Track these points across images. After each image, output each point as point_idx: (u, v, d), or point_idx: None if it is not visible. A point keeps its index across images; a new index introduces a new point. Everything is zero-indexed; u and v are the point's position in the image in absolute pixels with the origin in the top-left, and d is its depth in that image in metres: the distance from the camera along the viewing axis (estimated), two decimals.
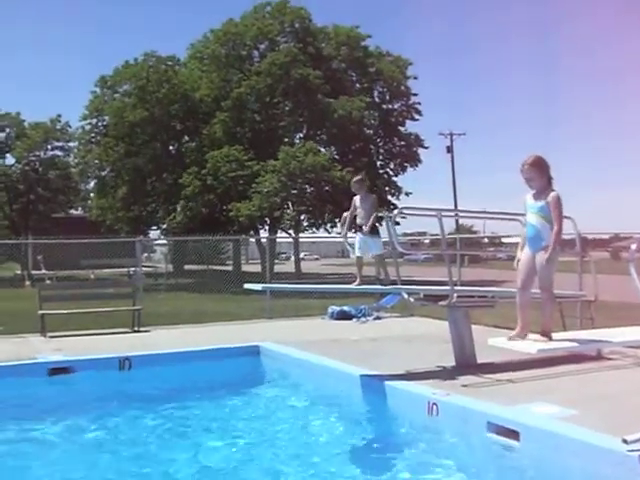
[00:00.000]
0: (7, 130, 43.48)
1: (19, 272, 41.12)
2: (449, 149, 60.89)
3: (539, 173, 8.21)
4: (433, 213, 9.28)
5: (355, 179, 10.51)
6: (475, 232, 60.93)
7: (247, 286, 10.08)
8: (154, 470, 6.66)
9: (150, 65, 38.06)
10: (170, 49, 60.56)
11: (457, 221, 42.84)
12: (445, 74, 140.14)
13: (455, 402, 7.28)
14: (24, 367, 10.02)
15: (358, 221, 10.33)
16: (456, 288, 9.62)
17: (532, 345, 8.22)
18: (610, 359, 9.66)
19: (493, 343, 8.63)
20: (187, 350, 11.06)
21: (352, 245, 10.44)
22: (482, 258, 41.64)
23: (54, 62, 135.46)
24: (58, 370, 9.96)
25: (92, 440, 7.62)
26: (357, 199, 10.26)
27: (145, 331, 14.02)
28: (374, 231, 10.07)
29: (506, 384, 8.20)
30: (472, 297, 9.99)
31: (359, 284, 10.18)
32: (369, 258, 10.44)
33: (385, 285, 10.24)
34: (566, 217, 9.24)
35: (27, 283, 32.47)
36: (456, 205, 55.31)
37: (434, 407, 7.37)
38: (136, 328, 14.09)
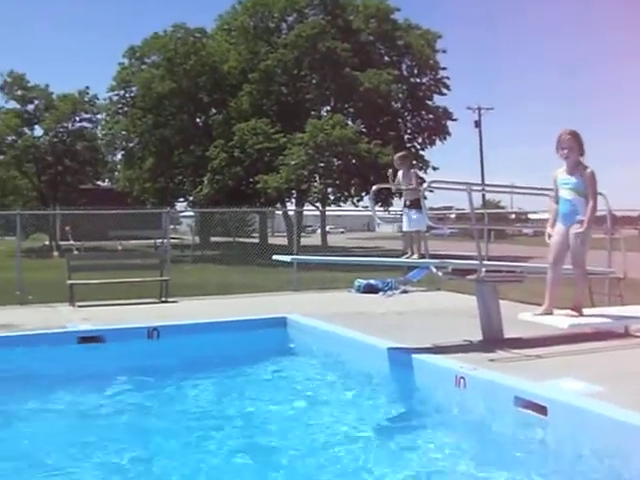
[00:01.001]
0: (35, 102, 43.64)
1: (47, 243, 41.47)
2: (477, 123, 60.37)
3: (577, 145, 8.15)
4: (462, 187, 9.23)
5: (397, 155, 10.52)
6: (502, 207, 60.47)
7: (276, 257, 10.07)
8: (180, 439, 6.74)
9: (178, 37, 38.03)
10: (198, 21, 60.47)
11: (484, 196, 42.54)
12: (474, 47, 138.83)
13: (482, 376, 7.26)
14: (54, 336, 10.13)
15: (403, 197, 10.36)
16: (484, 263, 9.59)
17: (563, 320, 8.20)
18: (638, 337, 9.58)
19: (523, 317, 8.62)
20: (214, 321, 11.10)
21: (381, 219, 10.51)
22: (508, 234, 41.37)
23: (83, 34, 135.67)
24: (87, 339, 10.06)
25: (118, 408, 7.72)
26: (400, 175, 10.23)
27: (172, 302, 14.12)
28: (416, 206, 9.98)
29: (533, 359, 8.16)
30: (500, 272, 9.94)
31: (409, 256, 10.20)
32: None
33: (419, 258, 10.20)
34: (599, 193, 9.18)
35: (55, 254, 32.78)
36: (483, 180, 54.89)
37: (461, 381, 7.36)
38: (163, 299, 14.19)
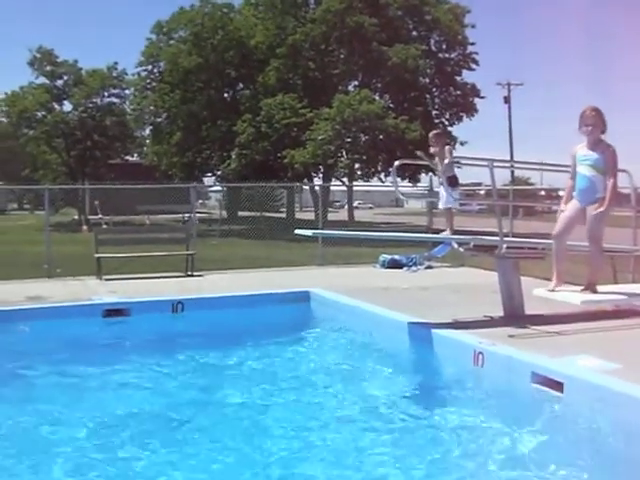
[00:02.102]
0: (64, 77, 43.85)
1: (76, 217, 41.84)
2: (506, 99, 59.84)
3: (601, 121, 8.15)
4: (485, 163, 9.25)
5: (431, 133, 10.53)
6: (532, 184, 60.04)
7: (298, 231, 10.16)
8: (206, 411, 6.87)
9: (205, 12, 38.02)
10: None
11: (512, 172, 42.28)
12: (504, 23, 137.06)
13: (501, 352, 7.34)
14: (80, 308, 10.32)
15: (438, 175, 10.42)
16: (506, 239, 9.61)
17: (576, 296, 8.26)
18: None
19: (537, 293, 8.67)
20: (238, 294, 11.24)
21: (404, 195, 10.49)
22: (537, 211, 41.09)
23: (112, 8, 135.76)
24: (113, 312, 10.25)
25: (141, 380, 7.86)
26: (435, 150, 10.22)
27: (198, 275, 14.26)
28: (449, 184, 9.99)
29: (553, 336, 8.21)
30: (522, 248, 9.97)
31: (447, 234, 10.15)
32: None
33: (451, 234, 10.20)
34: (622, 170, 9.17)
35: (84, 228, 33.05)
36: (512, 157, 54.50)
37: (480, 356, 7.44)
38: (189, 272, 14.34)
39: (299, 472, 5.43)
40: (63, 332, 9.42)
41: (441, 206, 10.39)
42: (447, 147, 10.17)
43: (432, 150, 10.13)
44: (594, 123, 8.19)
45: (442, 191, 10.13)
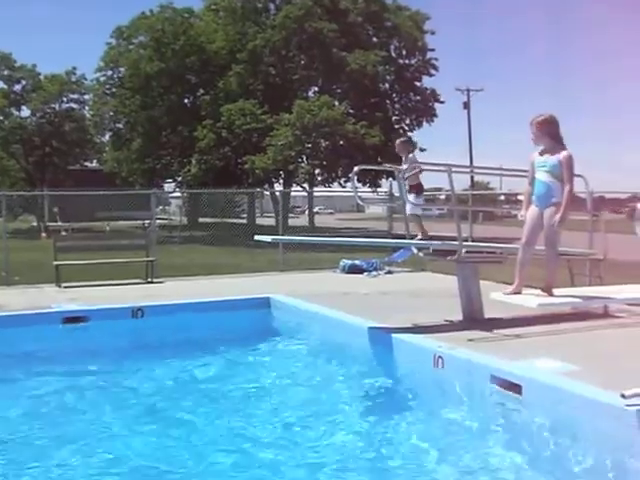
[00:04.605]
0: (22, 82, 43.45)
1: (35, 224, 41.41)
2: (465, 105, 60.37)
3: (546, 132, 8.31)
4: (443, 169, 9.32)
5: (397, 142, 10.61)
6: (491, 189, 60.59)
7: (257, 238, 10.17)
8: (164, 417, 6.85)
9: (166, 17, 37.90)
10: (186, 1, 60.33)
11: (472, 177, 42.71)
12: (464, 30, 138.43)
13: (460, 355, 7.39)
14: (39, 316, 10.18)
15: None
16: (465, 244, 9.69)
17: (532, 299, 8.37)
18: (617, 317, 9.70)
19: (495, 297, 8.76)
20: (198, 301, 11.18)
21: (364, 200, 10.53)
22: (497, 215, 41.48)
23: (69, 12, 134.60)
24: (72, 319, 10.13)
25: (102, 388, 7.82)
26: (403, 162, 10.28)
27: (158, 282, 14.20)
28: (411, 191, 10.02)
29: (512, 339, 8.29)
30: (481, 252, 10.06)
31: (420, 238, 10.20)
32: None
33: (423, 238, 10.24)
34: (577, 175, 9.30)
35: (43, 235, 32.67)
36: (472, 162, 54.94)
37: (439, 360, 7.48)
38: (149, 279, 14.28)
39: None
40: (21, 340, 9.31)
41: (408, 212, 10.42)
42: (410, 155, 10.24)
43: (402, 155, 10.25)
44: (535, 133, 8.40)
45: (406, 197, 10.18)
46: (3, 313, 10.43)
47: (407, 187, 10.09)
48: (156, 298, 11.62)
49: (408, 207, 10.20)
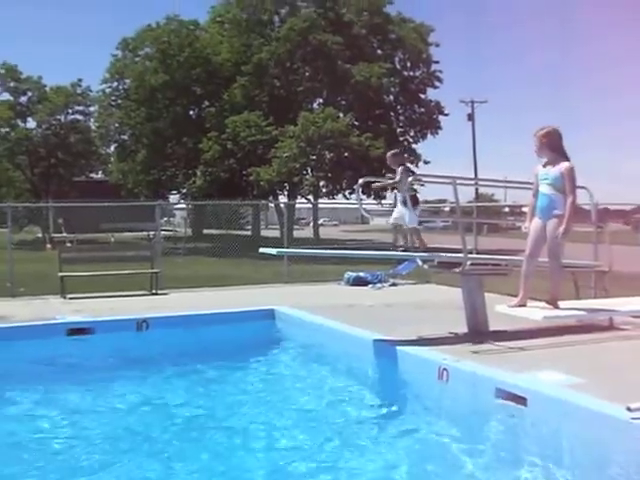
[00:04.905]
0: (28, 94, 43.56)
1: (40, 235, 41.46)
2: (470, 117, 60.49)
3: (549, 145, 8.34)
4: (448, 181, 9.32)
5: (388, 154, 10.61)
6: (496, 201, 60.58)
7: (262, 250, 10.18)
8: (169, 429, 6.84)
9: (171, 29, 38.00)
10: (191, 13, 60.62)
11: (477, 190, 42.67)
12: (469, 42, 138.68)
13: (465, 368, 7.38)
14: (43, 327, 10.22)
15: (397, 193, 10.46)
16: (470, 256, 9.69)
17: (538, 312, 8.37)
18: (622, 329, 9.69)
19: (500, 310, 8.76)
20: (203, 313, 11.19)
21: (369, 212, 10.52)
22: (502, 227, 41.44)
23: (76, 24, 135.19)
24: (76, 331, 10.14)
25: (107, 399, 7.82)
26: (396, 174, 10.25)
27: (163, 294, 14.22)
28: (407, 203, 9.96)
29: (517, 351, 8.28)
30: (486, 265, 10.05)
31: (404, 248, 10.19)
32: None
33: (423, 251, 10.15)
34: (581, 187, 9.32)
35: (48, 246, 32.71)
36: (476, 174, 55.02)
37: (444, 372, 7.47)
38: (154, 291, 14.29)
39: None
40: (26, 352, 9.31)
41: (391, 221, 10.38)
42: (401, 167, 10.13)
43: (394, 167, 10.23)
44: (538, 145, 8.44)
45: (399, 209, 10.15)
46: (9, 324, 10.44)
47: (401, 199, 10.07)
48: (161, 310, 11.65)
49: (406, 220, 10.08)
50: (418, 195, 10.34)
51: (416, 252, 10.08)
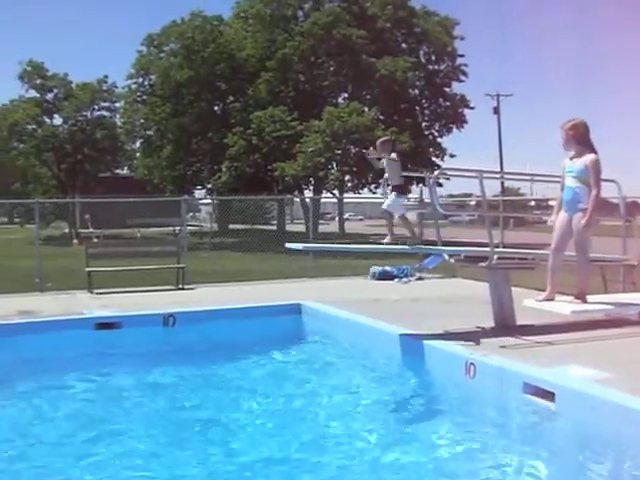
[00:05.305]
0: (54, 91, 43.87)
1: (67, 231, 41.79)
2: (495, 110, 60.12)
3: (575, 137, 8.26)
4: (474, 174, 9.27)
5: (378, 141, 10.46)
6: (522, 195, 60.21)
7: (288, 245, 10.17)
8: (195, 424, 6.86)
9: (196, 25, 38.08)
10: (215, 9, 60.72)
11: (502, 183, 42.47)
12: (494, 34, 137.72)
13: (492, 363, 7.34)
14: (71, 322, 10.29)
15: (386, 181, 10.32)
16: (496, 250, 9.63)
17: (566, 306, 8.30)
18: None
19: (527, 304, 8.70)
20: (229, 307, 11.22)
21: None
22: (528, 221, 41.19)
23: (101, 21, 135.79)
24: (104, 325, 10.21)
25: (134, 394, 7.86)
26: (384, 161, 10.06)
27: (189, 289, 14.26)
28: (398, 191, 9.90)
29: (544, 346, 8.21)
30: (512, 259, 9.99)
31: (388, 242, 9.99)
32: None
33: (410, 245, 10.07)
34: (609, 180, 9.24)
35: (75, 241, 32.98)
36: (502, 167, 54.67)
37: (471, 367, 7.44)
38: (180, 286, 14.34)
39: None
40: (54, 346, 9.38)
41: (395, 214, 10.10)
42: (393, 154, 9.97)
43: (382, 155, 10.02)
44: (565, 138, 8.37)
45: (391, 197, 9.98)
46: (37, 319, 10.52)
47: (390, 187, 9.97)
48: (187, 304, 11.68)
49: (393, 209, 9.95)
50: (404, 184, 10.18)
51: (405, 244, 9.99)
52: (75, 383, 8.22)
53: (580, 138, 8.31)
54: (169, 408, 7.45)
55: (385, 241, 10.04)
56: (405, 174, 11.10)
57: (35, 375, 8.45)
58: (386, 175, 10.11)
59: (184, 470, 5.64)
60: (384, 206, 10.06)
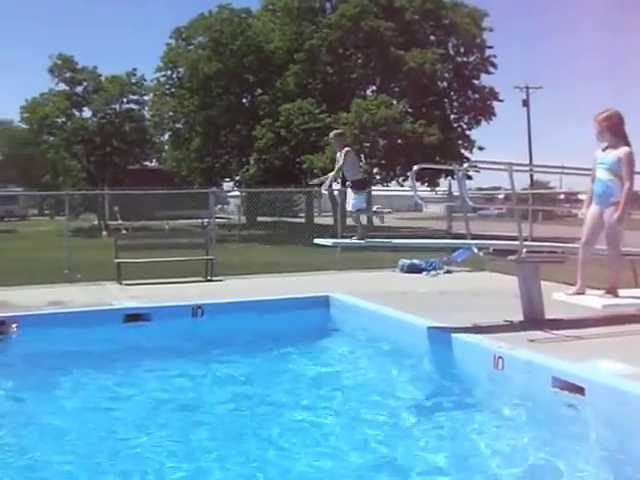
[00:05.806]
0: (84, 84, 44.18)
1: (96, 223, 42.09)
2: (525, 103, 59.65)
3: (609, 128, 8.15)
4: (503, 167, 9.22)
5: (332, 133, 10.31)
6: (551, 188, 59.73)
7: (317, 241, 10.14)
8: (225, 416, 6.89)
9: (224, 17, 38.15)
10: (243, 2, 60.82)
11: (532, 176, 42.18)
12: (523, 25, 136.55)
13: (520, 356, 7.31)
14: (101, 313, 10.40)
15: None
16: (525, 243, 9.57)
17: (597, 300, 8.21)
18: None
19: (557, 297, 8.63)
20: (258, 299, 11.27)
21: (423, 199, 10.26)
22: (557, 215, 40.89)
23: (130, 14, 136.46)
24: (133, 317, 10.29)
25: (162, 385, 7.90)
26: (338, 154, 9.79)
27: (218, 280, 14.31)
28: (357, 187, 9.68)
29: (573, 340, 8.17)
30: (541, 252, 9.92)
31: (357, 238, 9.86)
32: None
33: (358, 239, 9.84)
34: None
35: (104, 233, 33.17)
36: (531, 160, 54.26)
37: (500, 360, 7.42)
38: (209, 277, 14.39)
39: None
40: (83, 337, 9.46)
41: (349, 208, 9.85)
42: (346, 149, 9.68)
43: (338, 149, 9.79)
44: (598, 129, 8.26)
45: (350, 195, 9.73)
46: (67, 309, 10.61)
47: (348, 183, 9.80)
48: (216, 296, 11.74)
49: (349, 204, 9.74)
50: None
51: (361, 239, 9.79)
52: (100, 373, 8.26)
53: (614, 129, 8.19)
54: (194, 402, 7.47)
55: (355, 238, 9.92)
56: (433, 166, 11.01)
57: (61, 365, 8.51)
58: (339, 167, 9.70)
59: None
60: (349, 208, 9.81)
